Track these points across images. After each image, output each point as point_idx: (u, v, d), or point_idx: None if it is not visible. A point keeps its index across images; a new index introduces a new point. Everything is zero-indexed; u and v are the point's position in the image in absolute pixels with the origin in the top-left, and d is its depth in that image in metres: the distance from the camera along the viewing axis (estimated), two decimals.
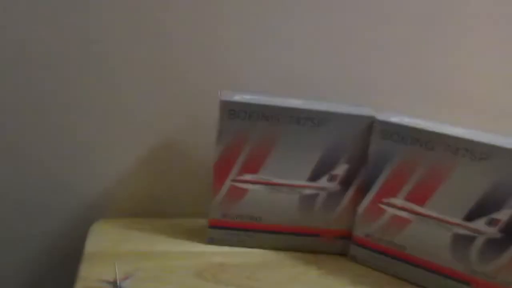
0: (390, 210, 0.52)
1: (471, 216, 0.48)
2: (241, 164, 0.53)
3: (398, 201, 0.51)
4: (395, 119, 0.51)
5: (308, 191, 0.54)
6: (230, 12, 0.56)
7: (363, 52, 0.60)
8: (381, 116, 0.51)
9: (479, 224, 0.47)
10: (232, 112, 0.51)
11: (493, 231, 0.47)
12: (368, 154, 0.52)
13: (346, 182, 0.54)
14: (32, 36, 0.54)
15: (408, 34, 0.60)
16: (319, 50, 0.59)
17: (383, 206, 0.52)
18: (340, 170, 0.53)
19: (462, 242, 0.48)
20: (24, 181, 0.60)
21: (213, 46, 0.57)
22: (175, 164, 0.62)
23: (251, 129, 0.51)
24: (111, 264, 0.49)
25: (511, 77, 0.63)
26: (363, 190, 0.53)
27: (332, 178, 0.54)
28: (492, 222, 0.47)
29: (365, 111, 0.53)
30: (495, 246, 0.47)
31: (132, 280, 0.46)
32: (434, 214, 0.49)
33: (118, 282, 0.44)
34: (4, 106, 0.56)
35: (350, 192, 0.54)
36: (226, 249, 0.55)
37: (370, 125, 0.52)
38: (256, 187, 0.54)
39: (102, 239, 0.54)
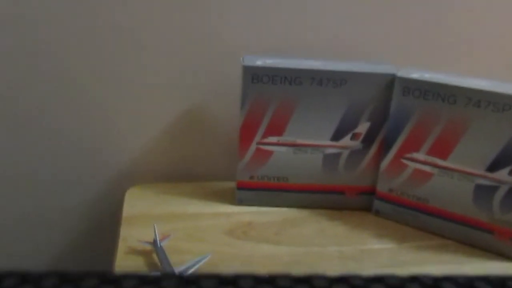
0: (412, 165, 0.53)
1: (493, 167, 0.49)
2: (265, 127, 0.54)
3: (420, 155, 0.52)
4: (415, 75, 0.52)
5: (331, 150, 0.56)
6: None
7: (377, 8, 0.60)
8: (402, 73, 0.52)
9: (502, 174, 0.48)
10: (255, 77, 0.52)
11: None
12: (389, 111, 0.53)
13: (368, 140, 0.55)
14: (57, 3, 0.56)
15: None
16: (333, 11, 0.59)
17: (405, 161, 0.53)
18: (362, 128, 0.55)
19: (484, 192, 0.50)
20: (54, 153, 0.62)
21: (232, 10, 0.58)
22: (201, 130, 0.64)
23: (274, 92, 0.53)
24: (148, 226, 0.52)
25: None
26: (385, 147, 0.54)
27: (354, 137, 0.55)
28: None
29: (385, 68, 0.54)
30: None
31: (170, 240, 0.50)
32: (457, 166, 0.51)
33: (158, 241, 0.47)
34: (31, 79, 0.59)
35: (373, 149, 0.56)
36: (254, 209, 0.58)
37: (391, 83, 0.52)
38: (281, 148, 0.55)
39: (138, 203, 0.57)
